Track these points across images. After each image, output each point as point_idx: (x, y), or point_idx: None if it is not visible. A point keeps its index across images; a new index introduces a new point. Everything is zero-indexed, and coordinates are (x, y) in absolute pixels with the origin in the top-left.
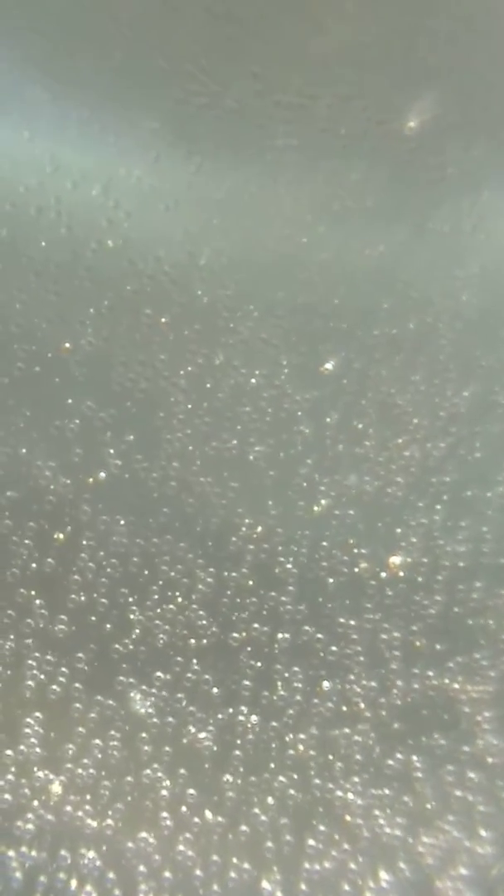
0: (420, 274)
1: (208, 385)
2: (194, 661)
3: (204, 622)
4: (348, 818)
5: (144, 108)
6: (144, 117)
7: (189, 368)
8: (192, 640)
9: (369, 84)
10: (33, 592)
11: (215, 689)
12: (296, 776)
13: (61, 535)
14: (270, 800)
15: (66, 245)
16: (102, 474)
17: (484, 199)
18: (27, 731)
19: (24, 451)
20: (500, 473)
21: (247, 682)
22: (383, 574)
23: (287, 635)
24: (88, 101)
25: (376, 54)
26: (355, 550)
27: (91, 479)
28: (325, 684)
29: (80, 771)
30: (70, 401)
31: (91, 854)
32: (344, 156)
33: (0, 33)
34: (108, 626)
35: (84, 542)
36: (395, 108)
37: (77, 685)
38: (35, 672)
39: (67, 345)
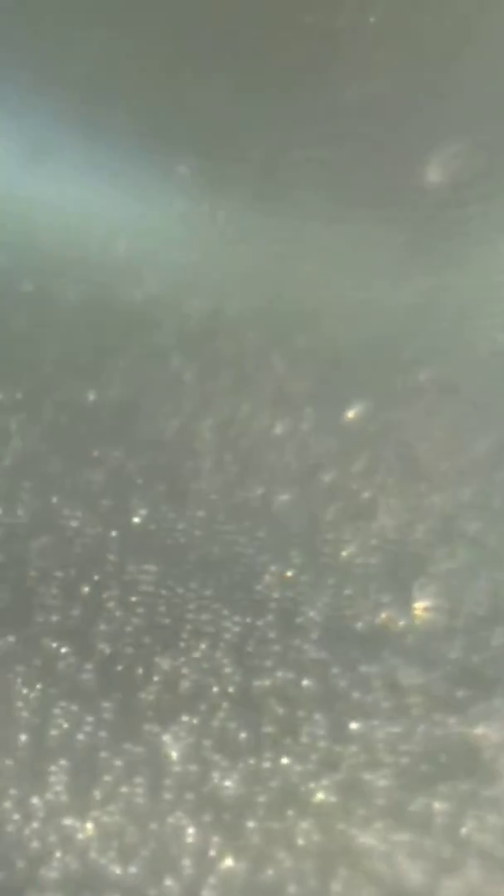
0: (442, 325)
1: (234, 435)
2: (219, 707)
3: (229, 669)
4: (371, 863)
5: (170, 164)
6: (172, 170)
7: (215, 418)
8: (217, 688)
9: (390, 136)
10: (60, 642)
11: (240, 736)
12: (319, 821)
13: (87, 585)
14: (294, 845)
15: (97, 297)
16: (129, 523)
17: None
18: (53, 778)
19: (53, 500)
20: None
21: (270, 729)
22: (405, 621)
23: (310, 682)
24: (118, 153)
25: (398, 106)
26: (377, 597)
27: (118, 530)
28: (353, 726)
29: (105, 818)
30: (97, 452)
31: None
32: (366, 209)
33: (34, 86)
34: (134, 674)
35: (110, 592)
36: (416, 160)
37: (102, 733)
38: (61, 720)
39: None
